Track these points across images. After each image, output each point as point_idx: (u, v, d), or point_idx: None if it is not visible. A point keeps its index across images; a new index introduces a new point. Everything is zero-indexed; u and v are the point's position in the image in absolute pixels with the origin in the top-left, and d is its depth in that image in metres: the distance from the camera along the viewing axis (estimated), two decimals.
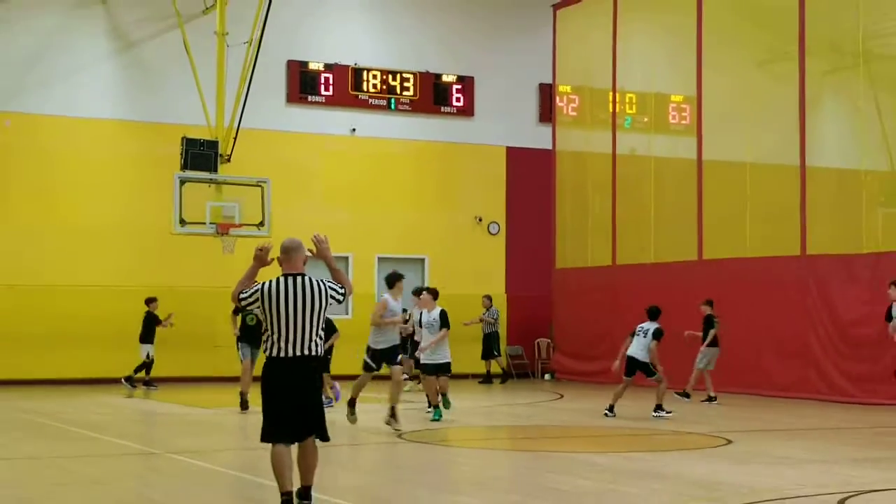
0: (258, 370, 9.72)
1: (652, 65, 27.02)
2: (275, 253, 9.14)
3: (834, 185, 23.19)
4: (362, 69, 28.92)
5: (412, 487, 11.16)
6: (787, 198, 22.39)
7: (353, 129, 28.83)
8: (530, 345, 29.83)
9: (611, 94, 27.62)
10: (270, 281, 8.98)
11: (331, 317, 14.00)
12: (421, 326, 17.51)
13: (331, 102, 28.62)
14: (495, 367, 27.74)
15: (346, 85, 28.73)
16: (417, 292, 18.76)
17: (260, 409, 9.05)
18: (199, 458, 13.03)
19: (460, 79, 29.95)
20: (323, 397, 9.16)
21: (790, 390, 21.75)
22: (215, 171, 24.12)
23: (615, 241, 27.09)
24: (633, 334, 18.18)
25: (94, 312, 25.61)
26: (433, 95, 29.64)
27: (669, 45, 27.08)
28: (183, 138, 23.93)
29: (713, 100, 24.63)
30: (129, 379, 23.96)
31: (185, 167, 23.77)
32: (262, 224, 23.99)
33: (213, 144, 24.27)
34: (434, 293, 17.58)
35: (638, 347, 17.94)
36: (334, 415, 15.33)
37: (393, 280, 16.01)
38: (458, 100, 29.92)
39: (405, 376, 19.36)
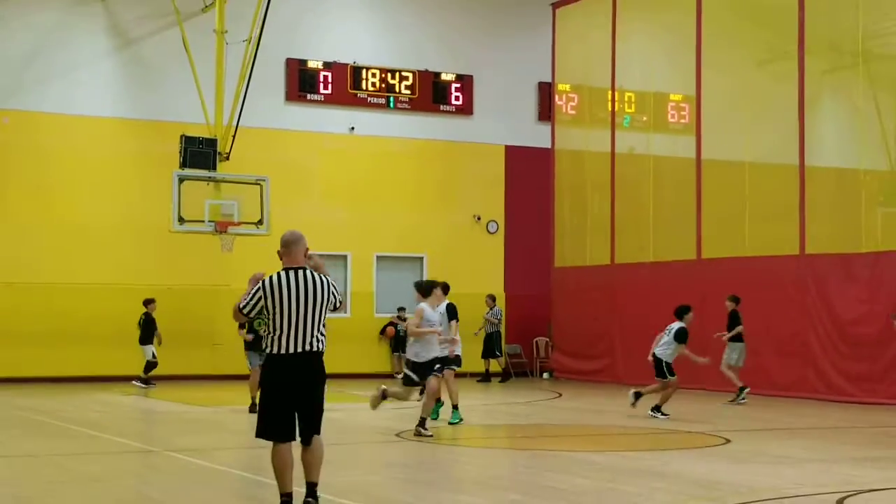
0: None
1: (651, 64, 27.03)
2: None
3: (833, 184, 23.19)
4: (361, 67, 28.90)
5: (413, 486, 11.15)
6: (786, 197, 22.38)
7: (352, 128, 28.81)
8: (529, 344, 29.81)
9: (610, 92, 27.60)
10: (271, 276, 8.75)
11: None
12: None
13: (330, 101, 28.59)
14: (494, 366, 27.72)
15: (345, 83, 28.71)
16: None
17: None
18: (198, 456, 13.02)
19: (459, 77, 29.94)
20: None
21: (789, 389, 21.74)
22: (214, 169, 24.09)
23: (614, 240, 27.07)
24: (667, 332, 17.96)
25: (93, 310, 25.62)
26: (432, 94, 29.63)
27: (669, 44, 27.08)
28: (182, 136, 23.90)
29: (712, 99, 24.61)
30: (141, 379, 23.98)
31: (183, 165, 23.74)
32: (260, 222, 23.97)
33: (212, 142, 24.24)
34: (445, 288, 17.05)
35: (661, 346, 17.90)
36: (336, 414, 15.32)
37: (430, 288, 15.55)
38: (457, 98, 29.89)
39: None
